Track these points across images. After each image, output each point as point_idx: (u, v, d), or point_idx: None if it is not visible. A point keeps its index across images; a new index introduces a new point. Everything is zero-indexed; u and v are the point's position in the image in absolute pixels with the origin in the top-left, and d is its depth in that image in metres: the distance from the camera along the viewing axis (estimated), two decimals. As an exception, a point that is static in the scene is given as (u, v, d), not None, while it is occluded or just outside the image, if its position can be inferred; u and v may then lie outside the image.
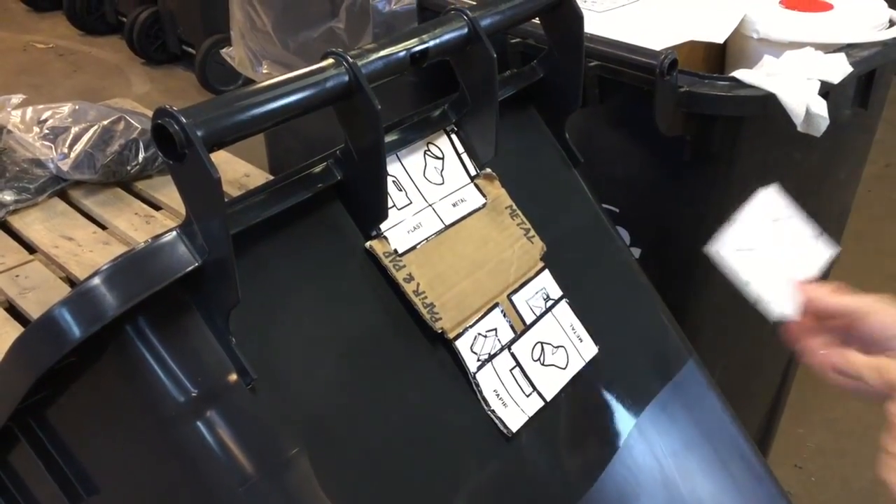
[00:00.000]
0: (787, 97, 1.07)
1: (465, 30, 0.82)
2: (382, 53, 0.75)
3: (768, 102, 1.08)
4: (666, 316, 1.04)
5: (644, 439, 0.92)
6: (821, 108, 1.08)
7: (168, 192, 1.78)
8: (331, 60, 0.72)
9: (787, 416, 1.85)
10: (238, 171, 1.85)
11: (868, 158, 1.53)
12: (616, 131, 1.24)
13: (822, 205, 1.49)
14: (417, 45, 0.78)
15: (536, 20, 0.96)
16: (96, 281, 0.62)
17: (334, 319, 0.76)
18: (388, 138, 0.83)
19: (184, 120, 0.59)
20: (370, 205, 0.78)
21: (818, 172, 1.38)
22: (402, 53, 0.77)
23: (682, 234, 1.23)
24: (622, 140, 1.24)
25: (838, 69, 1.12)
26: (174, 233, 0.65)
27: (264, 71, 1.88)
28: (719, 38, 1.27)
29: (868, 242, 2.60)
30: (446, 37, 0.81)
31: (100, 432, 0.75)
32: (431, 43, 0.79)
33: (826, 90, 1.10)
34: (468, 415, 0.82)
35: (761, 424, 1.77)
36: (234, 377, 0.67)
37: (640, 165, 1.24)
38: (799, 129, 1.09)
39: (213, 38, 3.32)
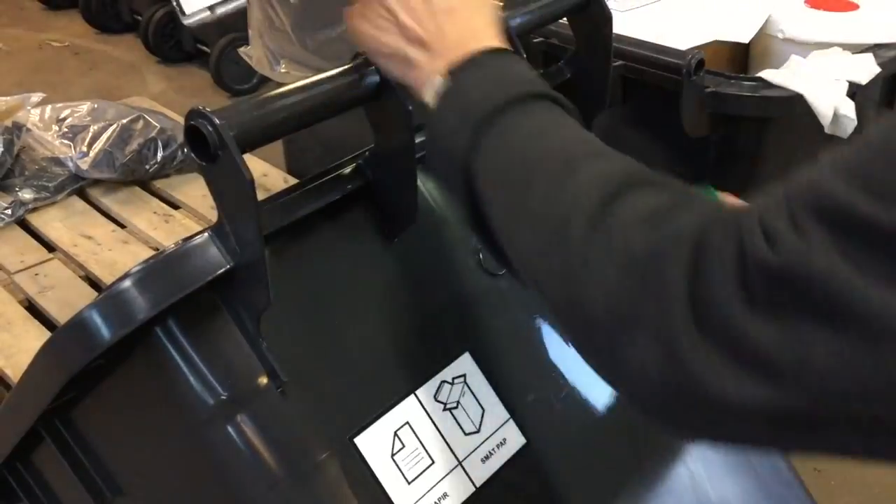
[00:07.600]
0: (816, 98, 1.06)
1: (495, 30, 0.81)
2: (413, 54, 0.74)
3: (795, 103, 1.07)
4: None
5: (673, 443, 0.91)
6: (849, 109, 1.07)
7: (186, 191, 1.78)
8: (361, 60, 0.71)
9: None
10: (256, 170, 1.83)
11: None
12: (638, 132, 1.23)
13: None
14: (448, 46, 0.77)
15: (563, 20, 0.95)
16: (127, 283, 0.61)
17: (364, 322, 0.75)
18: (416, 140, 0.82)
19: (217, 121, 0.59)
20: (400, 207, 0.77)
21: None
22: (432, 54, 0.76)
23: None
24: (644, 141, 1.23)
25: (866, 70, 1.11)
26: (206, 234, 0.64)
27: (282, 70, 1.88)
28: (744, 38, 1.26)
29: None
30: (476, 37, 0.80)
31: (127, 434, 0.74)
32: (462, 43, 0.78)
33: (853, 91, 1.09)
34: (497, 416, 0.81)
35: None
36: (264, 380, 0.67)
37: (663, 167, 1.23)
38: (826, 130, 1.08)
39: (227, 36, 3.32)
